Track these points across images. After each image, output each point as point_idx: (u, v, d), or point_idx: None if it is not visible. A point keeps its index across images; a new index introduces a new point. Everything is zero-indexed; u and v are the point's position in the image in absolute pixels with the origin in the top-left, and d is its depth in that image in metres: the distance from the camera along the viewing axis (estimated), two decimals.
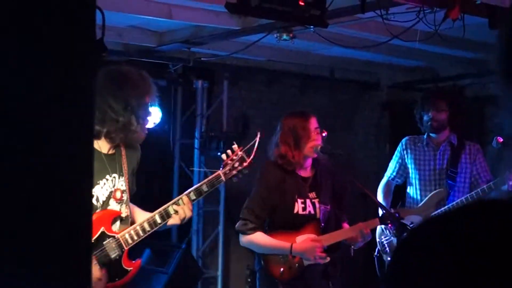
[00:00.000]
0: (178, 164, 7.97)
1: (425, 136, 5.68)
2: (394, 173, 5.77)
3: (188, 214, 3.81)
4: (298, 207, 4.54)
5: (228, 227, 7.96)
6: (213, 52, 7.20)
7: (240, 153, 4.01)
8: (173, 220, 3.79)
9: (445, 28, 4.93)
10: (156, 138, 7.60)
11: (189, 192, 3.85)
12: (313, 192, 4.62)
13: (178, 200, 3.81)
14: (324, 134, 4.60)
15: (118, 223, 3.75)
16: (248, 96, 8.19)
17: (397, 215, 4.59)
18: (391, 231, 5.26)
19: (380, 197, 5.62)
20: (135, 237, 3.71)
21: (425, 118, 5.56)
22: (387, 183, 5.80)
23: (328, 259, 4.50)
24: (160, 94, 7.33)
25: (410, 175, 5.67)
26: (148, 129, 7.12)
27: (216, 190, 7.72)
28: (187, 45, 6.76)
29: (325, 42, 5.93)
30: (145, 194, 7.63)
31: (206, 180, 3.91)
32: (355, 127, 9.31)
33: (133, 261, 3.79)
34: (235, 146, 4.05)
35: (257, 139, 4.09)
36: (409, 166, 5.68)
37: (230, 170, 3.96)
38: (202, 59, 7.29)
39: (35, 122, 1.22)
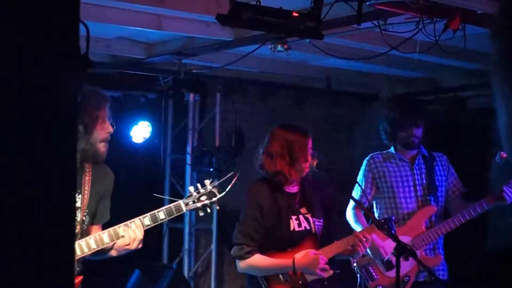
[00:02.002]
0: (169, 180, 7.83)
1: (393, 151, 5.39)
2: (363, 194, 5.25)
3: (139, 236, 3.77)
4: (294, 224, 4.43)
5: (221, 246, 7.81)
6: (205, 64, 7.08)
7: (209, 187, 3.97)
8: (122, 242, 3.76)
9: (446, 38, 4.78)
10: (146, 153, 7.46)
11: (144, 217, 3.81)
12: (304, 208, 4.52)
13: (131, 222, 3.78)
14: (314, 158, 4.46)
15: None
16: (242, 109, 8.02)
17: (393, 218, 4.48)
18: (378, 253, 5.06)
19: (353, 224, 5.25)
20: (78, 252, 3.68)
21: (404, 134, 5.26)
22: (356, 206, 5.31)
23: (331, 272, 4.40)
24: (150, 107, 7.32)
25: (385, 194, 5.32)
26: (138, 143, 7.12)
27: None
28: (178, 57, 6.64)
29: (321, 53, 5.78)
30: (135, 210, 7.50)
31: (165, 207, 3.85)
32: (354, 140, 9.12)
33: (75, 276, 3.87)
34: (207, 181, 4.01)
35: (234, 180, 4.04)
36: (383, 185, 5.33)
37: (193, 202, 3.92)
38: (193, 71, 7.14)
39: (20, 133, 1.23)
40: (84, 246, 3.70)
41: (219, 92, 7.82)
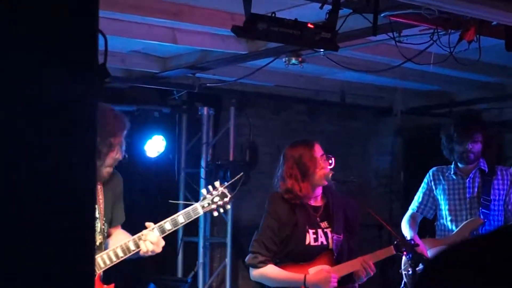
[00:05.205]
0: (183, 194, 7.80)
1: (452, 166, 5.43)
2: (420, 205, 5.51)
3: (160, 244, 3.92)
4: (310, 238, 4.40)
5: (236, 260, 7.76)
6: (219, 78, 7.07)
7: (221, 188, 4.14)
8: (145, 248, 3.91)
9: (460, 50, 4.76)
10: (160, 168, 7.44)
11: (165, 222, 3.95)
12: (325, 222, 4.48)
13: (153, 228, 3.91)
14: (331, 161, 4.40)
15: None
16: (256, 123, 8.00)
17: (412, 242, 4.55)
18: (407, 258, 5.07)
19: (406, 229, 5.37)
20: (108, 261, 3.83)
21: (460, 149, 5.30)
22: (412, 215, 5.54)
23: None
24: (164, 121, 7.33)
25: (441, 206, 5.43)
26: (152, 158, 7.12)
27: (223, 221, 7.65)
28: (192, 71, 6.65)
29: (335, 66, 5.78)
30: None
31: (183, 211, 4.01)
32: (368, 154, 9.09)
33: (106, 285, 3.92)
34: (217, 183, 4.19)
35: (240, 178, 4.30)
36: (439, 197, 5.44)
37: (208, 204, 4.08)
38: (207, 85, 7.14)
39: (40, 143, 1.26)
40: (112, 256, 3.84)
41: (233, 106, 7.80)
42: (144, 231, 3.88)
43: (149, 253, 3.87)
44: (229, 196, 4.12)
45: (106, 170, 3.86)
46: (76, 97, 1.29)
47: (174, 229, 3.96)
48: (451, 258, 1.06)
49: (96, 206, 3.87)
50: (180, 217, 3.97)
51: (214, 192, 4.09)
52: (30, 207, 1.24)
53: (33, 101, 1.24)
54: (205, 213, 4.11)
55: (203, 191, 4.13)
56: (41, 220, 1.25)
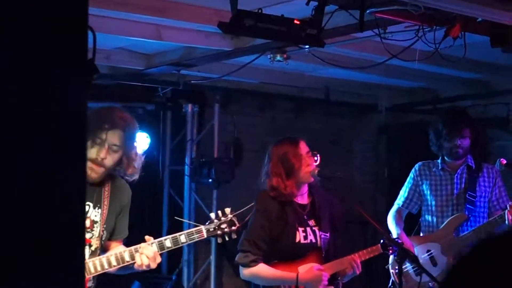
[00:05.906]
0: (167, 191, 7.78)
1: (439, 161, 5.45)
2: (406, 200, 5.52)
3: (158, 259, 3.79)
4: (300, 236, 4.41)
5: (220, 257, 7.76)
6: (204, 75, 7.06)
7: (230, 216, 3.99)
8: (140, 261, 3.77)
9: (445, 47, 4.77)
10: (145, 165, 7.37)
11: (165, 239, 3.82)
12: (312, 220, 4.50)
13: (152, 243, 3.77)
14: (316, 158, 4.41)
15: (86, 252, 3.73)
16: (240, 120, 7.99)
17: (399, 240, 4.56)
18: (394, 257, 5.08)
19: (392, 225, 5.36)
20: (99, 268, 3.69)
21: (448, 145, 5.32)
22: (398, 211, 5.54)
23: None
24: (149, 118, 7.30)
25: (427, 202, 5.45)
26: None
27: (207, 219, 7.62)
28: (177, 68, 6.60)
29: (320, 63, 5.76)
30: (134, 223, 7.47)
31: (186, 231, 3.88)
32: (352, 151, 9.11)
33: None
34: (227, 209, 4.03)
35: (252, 207, 4.14)
36: (426, 192, 5.46)
37: (214, 228, 3.94)
38: (192, 82, 7.12)
39: (29, 139, 1.24)
40: (105, 263, 3.69)
41: (218, 103, 7.78)
42: (142, 244, 3.73)
43: (143, 268, 3.72)
44: (237, 225, 3.97)
45: (89, 165, 3.69)
46: (65, 93, 1.28)
47: (173, 247, 3.82)
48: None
49: (100, 210, 3.80)
50: (182, 237, 3.83)
51: (223, 218, 3.95)
52: (19, 203, 1.23)
53: (21, 98, 1.23)
54: (208, 237, 3.97)
55: (212, 215, 3.98)
56: (29, 214, 1.24)
